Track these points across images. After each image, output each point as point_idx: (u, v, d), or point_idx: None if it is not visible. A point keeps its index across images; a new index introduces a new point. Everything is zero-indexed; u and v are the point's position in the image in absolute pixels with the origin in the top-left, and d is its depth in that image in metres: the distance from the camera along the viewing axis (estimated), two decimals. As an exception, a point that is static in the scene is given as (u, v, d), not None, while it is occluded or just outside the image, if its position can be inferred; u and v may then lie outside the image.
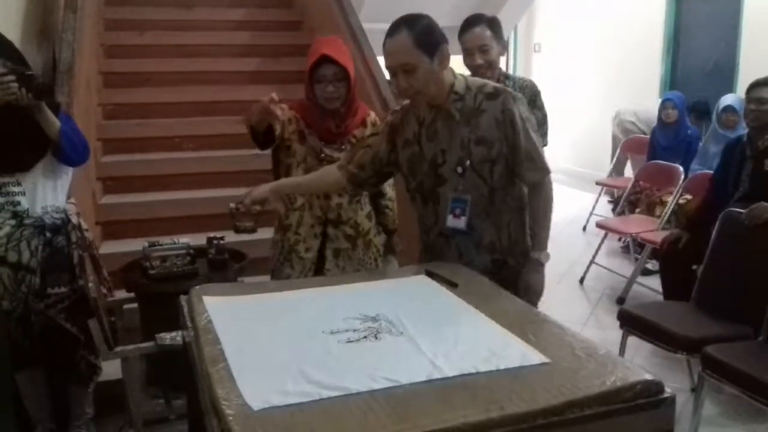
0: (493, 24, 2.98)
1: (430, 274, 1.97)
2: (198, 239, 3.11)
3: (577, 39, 8.72)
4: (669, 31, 7.40)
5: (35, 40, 4.20)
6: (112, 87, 5.18)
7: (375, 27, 7.13)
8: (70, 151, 2.48)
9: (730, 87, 6.29)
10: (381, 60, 4.90)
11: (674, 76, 7.41)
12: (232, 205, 2.07)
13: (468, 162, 2.01)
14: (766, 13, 6.21)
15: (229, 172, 4.68)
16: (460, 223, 2.05)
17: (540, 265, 2.09)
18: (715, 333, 2.79)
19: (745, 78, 4.83)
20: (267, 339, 1.54)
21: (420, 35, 1.92)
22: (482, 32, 2.93)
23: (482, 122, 2.01)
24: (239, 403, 1.23)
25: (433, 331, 1.55)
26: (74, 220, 2.62)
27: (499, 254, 2.10)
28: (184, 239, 3.00)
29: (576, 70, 8.70)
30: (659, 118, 5.44)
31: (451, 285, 1.87)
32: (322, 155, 2.52)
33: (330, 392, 1.26)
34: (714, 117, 4.91)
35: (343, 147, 2.56)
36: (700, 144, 5.15)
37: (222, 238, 3.01)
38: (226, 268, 2.96)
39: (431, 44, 1.93)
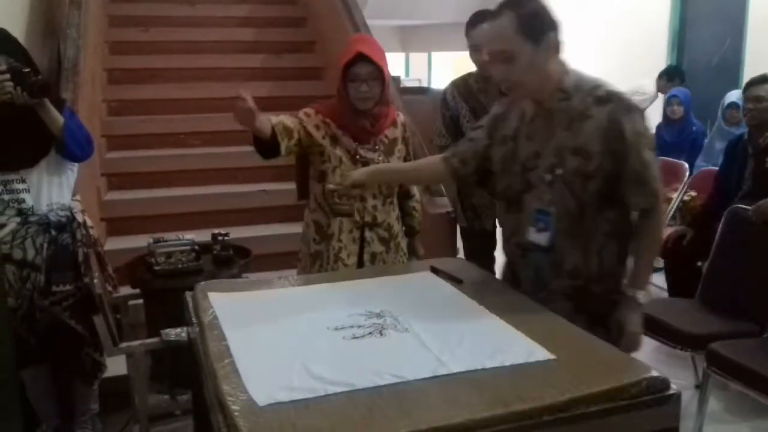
0: None
1: (435, 271, 1.97)
2: (203, 235, 3.12)
3: (582, 34, 8.68)
4: (674, 26, 7.37)
5: (40, 37, 4.21)
6: (116, 83, 5.19)
7: (379, 23, 7.12)
8: (73, 147, 2.48)
9: (735, 82, 6.26)
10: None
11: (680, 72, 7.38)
12: (331, 186, 2.05)
13: (559, 171, 1.77)
14: (772, 8, 6.18)
15: (234, 168, 4.69)
16: (543, 238, 1.80)
17: (636, 305, 1.80)
18: (720, 330, 2.78)
19: (750, 73, 4.81)
20: (272, 335, 1.54)
21: (525, 19, 1.70)
22: None
23: (585, 129, 1.75)
24: (245, 399, 1.23)
25: (438, 328, 1.55)
26: (79, 217, 2.62)
27: (583, 280, 1.81)
28: (189, 235, 3.00)
29: (580, 65, 8.66)
30: (664, 114, 5.43)
31: (456, 281, 1.87)
32: (357, 156, 2.44)
33: (335, 388, 1.26)
34: (719, 113, 4.90)
35: (377, 147, 2.48)
36: (705, 140, 5.14)
37: (227, 235, 3.01)
38: (230, 264, 2.97)
39: (537, 30, 1.71)
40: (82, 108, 3.77)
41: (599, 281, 1.82)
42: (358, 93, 2.37)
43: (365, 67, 2.36)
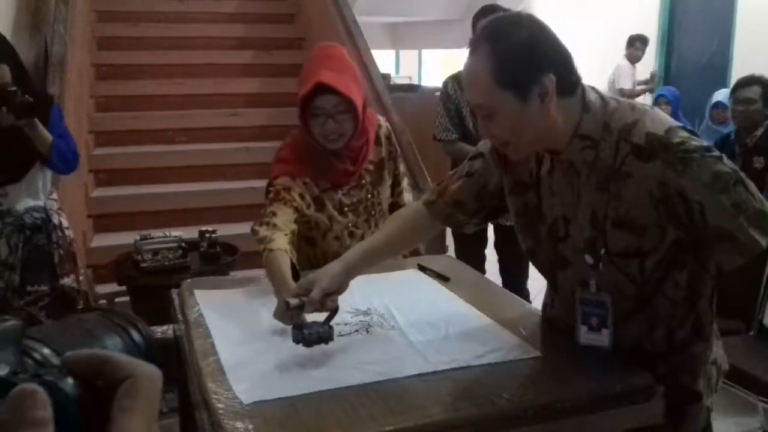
0: None
1: (423, 268, 1.97)
2: (190, 232, 3.11)
3: (572, 33, 8.72)
4: (663, 26, 7.41)
5: (27, 31, 4.17)
6: (104, 79, 5.16)
7: (369, 20, 7.10)
8: (59, 165, 2.48)
9: (723, 82, 6.31)
10: (375, 54, 4.87)
11: (668, 71, 7.43)
12: (294, 301, 1.41)
13: (603, 250, 1.30)
14: (759, 8, 6.23)
15: (222, 165, 4.69)
16: (602, 338, 1.34)
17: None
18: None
19: (738, 73, 4.86)
20: (258, 332, 1.54)
21: (503, 63, 1.20)
22: None
23: (626, 193, 1.25)
24: (230, 397, 1.23)
25: (424, 325, 1.55)
26: (55, 219, 2.59)
27: (646, 357, 1.36)
28: (176, 232, 3.00)
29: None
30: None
31: (443, 279, 1.87)
32: (345, 209, 2.02)
33: (321, 386, 1.26)
34: (707, 112, 4.94)
35: (363, 182, 2.05)
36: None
37: (214, 232, 3.01)
38: (217, 261, 2.96)
39: (523, 75, 1.21)
40: (69, 104, 3.74)
41: (666, 358, 1.37)
42: (323, 131, 1.89)
43: (329, 99, 1.85)
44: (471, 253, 3.12)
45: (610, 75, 6.59)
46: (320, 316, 1.44)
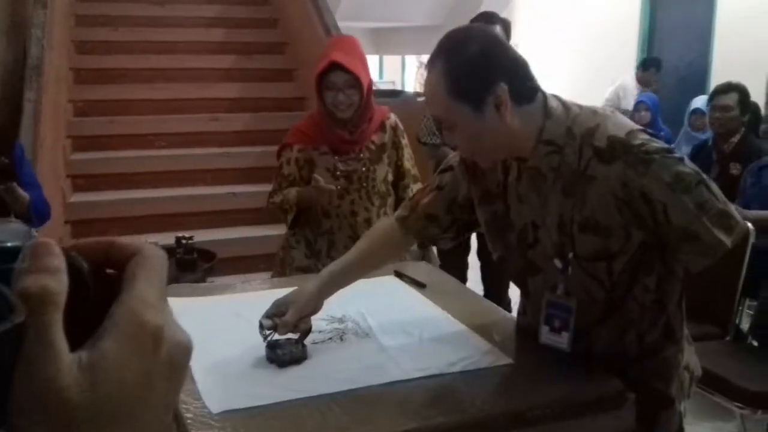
0: (507, 27, 2.90)
1: (399, 275, 1.96)
2: (169, 238, 3.08)
3: (554, 39, 8.78)
4: (643, 33, 7.48)
5: (5, 35, 4.13)
6: (83, 83, 5.11)
7: (352, 26, 7.10)
8: (36, 222, 2.50)
9: (702, 89, 6.37)
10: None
11: (648, 78, 7.49)
12: (267, 322, 1.43)
13: (571, 254, 1.33)
14: (738, 15, 6.31)
15: (202, 170, 4.66)
16: (561, 340, 1.36)
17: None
18: (683, 333, 2.81)
19: (717, 80, 4.92)
20: (230, 341, 1.52)
21: (457, 77, 1.25)
22: (499, 34, 2.88)
23: (590, 196, 1.27)
24: (198, 407, 1.22)
25: (399, 332, 1.54)
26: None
27: (616, 364, 1.36)
28: (154, 238, 2.97)
29: (553, 70, 8.75)
30: (632, 120, 5.49)
31: (419, 285, 1.87)
32: (338, 172, 2.34)
33: (291, 395, 1.25)
34: (686, 119, 4.98)
35: (362, 156, 2.37)
36: (673, 145, 5.20)
37: (191, 238, 2.98)
38: (194, 268, 2.93)
39: (476, 87, 1.25)
40: (46, 108, 3.71)
41: (638, 363, 1.38)
42: (335, 101, 2.28)
43: (340, 75, 2.25)
44: (454, 261, 3.11)
45: (611, 92, 6.27)
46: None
